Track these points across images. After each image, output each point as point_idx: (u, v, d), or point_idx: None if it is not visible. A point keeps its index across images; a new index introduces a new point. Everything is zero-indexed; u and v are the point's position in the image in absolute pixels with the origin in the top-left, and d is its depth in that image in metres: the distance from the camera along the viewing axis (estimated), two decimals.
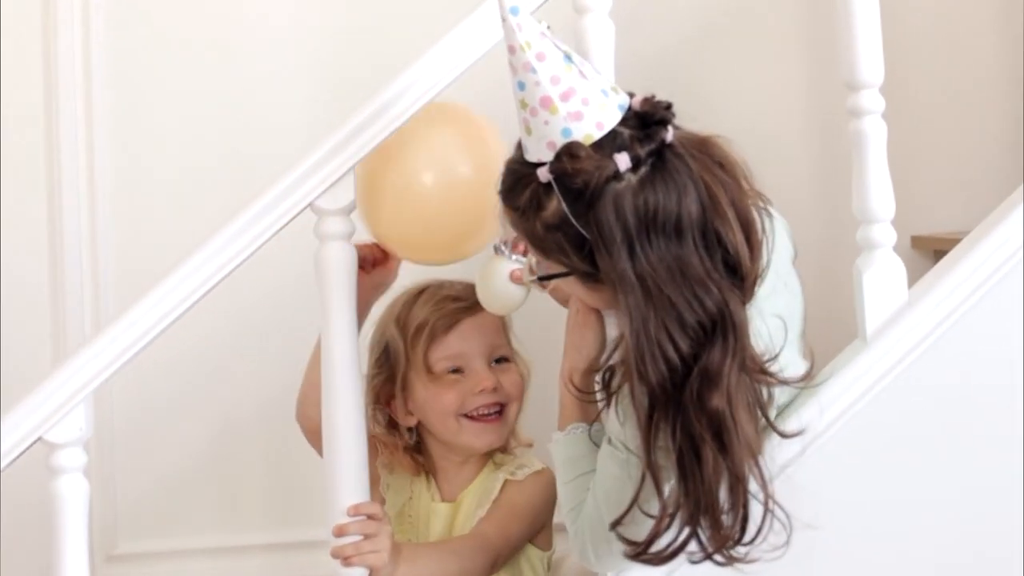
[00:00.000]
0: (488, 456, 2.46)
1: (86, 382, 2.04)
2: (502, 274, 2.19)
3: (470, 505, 2.43)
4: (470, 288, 2.32)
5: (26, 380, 2.15)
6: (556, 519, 2.32)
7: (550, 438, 2.12)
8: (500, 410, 2.42)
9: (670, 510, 1.84)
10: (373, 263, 2.34)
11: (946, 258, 2.17)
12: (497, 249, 2.22)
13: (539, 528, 2.42)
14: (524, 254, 2.14)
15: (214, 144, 3.06)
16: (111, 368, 2.05)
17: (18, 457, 2.04)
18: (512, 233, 2.05)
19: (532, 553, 2.42)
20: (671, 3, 2.99)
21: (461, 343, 2.36)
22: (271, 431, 2.98)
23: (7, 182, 3.00)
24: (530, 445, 2.48)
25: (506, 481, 2.40)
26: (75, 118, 3.02)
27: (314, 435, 2.35)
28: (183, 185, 3.06)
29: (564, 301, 2.12)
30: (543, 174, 1.82)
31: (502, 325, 2.44)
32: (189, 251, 2.09)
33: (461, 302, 2.33)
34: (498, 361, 2.43)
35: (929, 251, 2.28)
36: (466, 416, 2.40)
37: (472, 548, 2.31)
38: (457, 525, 2.43)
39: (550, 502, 2.40)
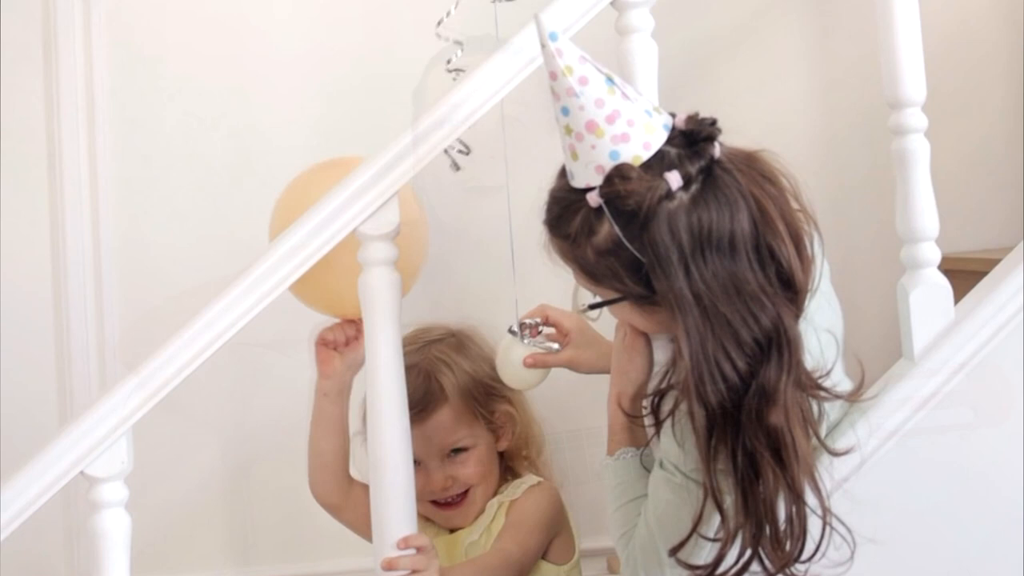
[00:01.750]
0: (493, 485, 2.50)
1: (128, 415, 2.01)
2: (517, 359, 2.24)
3: (466, 533, 2.46)
4: (423, 386, 2.39)
5: (29, 402, 2.11)
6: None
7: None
8: (465, 493, 2.46)
9: (732, 531, 1.83)
10: (346, 342, 2.35)
11: (990, 276, 2.16)
12: (512, 332, 2.23)
13: (551, 537, 2.43)
14: (536, 335, 2.20)
15: (219, 160, 3.03)
16: (153, 400, 2.03)
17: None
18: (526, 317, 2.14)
19: (547, 570, 2.42)
20: (677, 20, 2.98)
21: (413, 447, 2.29)
22: (282, 463, 2.94)
23: (7, 195, 2.98)
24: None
25: (510, 503, 2.43)
26: (77, 128, 2.99)
27: (333, 508, 2.43)
28: (186, 200, 3.03)
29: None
30: (593, 199, 1.81)
31: (461, 414, 2.45)
32: (230, 281, 2.06)
33: (412, 409, 2.29)
34: (456, 451, 2.44)
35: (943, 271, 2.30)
36: (432, 501, 2.45)
37: (498, 566, 2.34)
38: (456, 555, 2.45)
39: (557, 511, 2.44)
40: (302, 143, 2.91)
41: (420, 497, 2.28)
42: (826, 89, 2.94)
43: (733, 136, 1.85)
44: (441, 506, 2.46)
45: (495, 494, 2.46)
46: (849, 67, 2.92)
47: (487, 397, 2.46)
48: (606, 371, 2.11)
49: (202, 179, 3.01)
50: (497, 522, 2.42)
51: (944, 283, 2.11)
